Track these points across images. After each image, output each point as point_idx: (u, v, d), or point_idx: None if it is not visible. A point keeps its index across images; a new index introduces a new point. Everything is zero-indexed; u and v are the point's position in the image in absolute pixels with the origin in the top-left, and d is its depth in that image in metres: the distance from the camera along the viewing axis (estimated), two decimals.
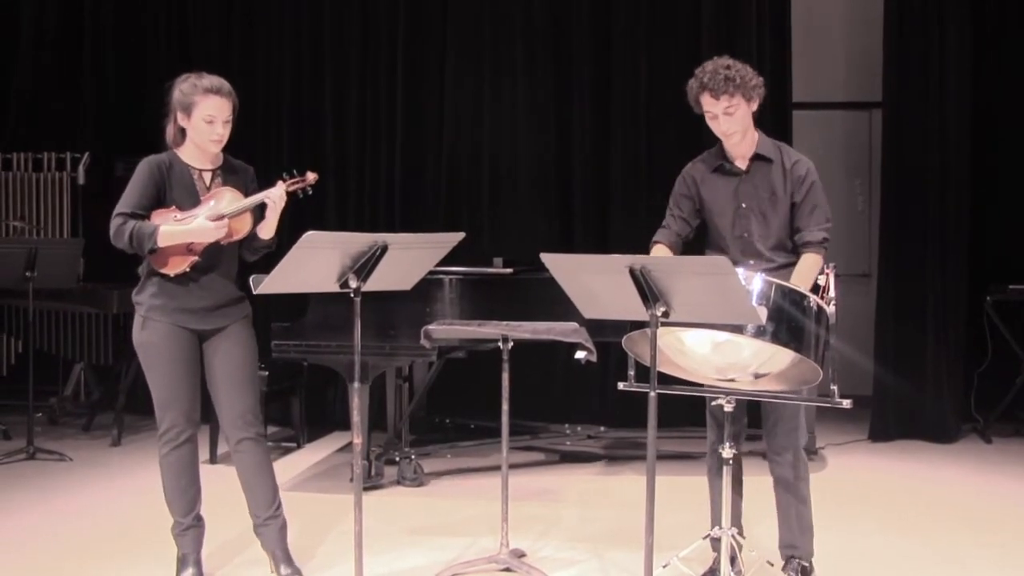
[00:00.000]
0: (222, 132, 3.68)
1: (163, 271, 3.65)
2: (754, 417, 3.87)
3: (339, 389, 6.71)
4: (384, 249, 3.30)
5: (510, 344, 3.99)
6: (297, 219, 4.99)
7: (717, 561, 3.51)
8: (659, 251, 3.72)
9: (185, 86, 3.67)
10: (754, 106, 3.61)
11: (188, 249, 3.63)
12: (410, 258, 3.47)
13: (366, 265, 3.31)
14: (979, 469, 5.83)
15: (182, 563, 3.77)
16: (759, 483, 3.85)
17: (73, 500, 5.08)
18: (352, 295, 3.34)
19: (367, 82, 7.00)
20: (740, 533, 3.60)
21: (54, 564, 4.11)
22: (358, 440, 3.54)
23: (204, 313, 3.70)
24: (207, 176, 3.74)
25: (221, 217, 3.60)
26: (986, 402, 6.61)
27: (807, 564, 3.74)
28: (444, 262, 3.63)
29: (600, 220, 6.87)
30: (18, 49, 7.55)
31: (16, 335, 7.07)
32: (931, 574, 4.04)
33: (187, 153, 3.73)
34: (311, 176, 3.79)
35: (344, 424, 6.58)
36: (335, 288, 3.37)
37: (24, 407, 5.92)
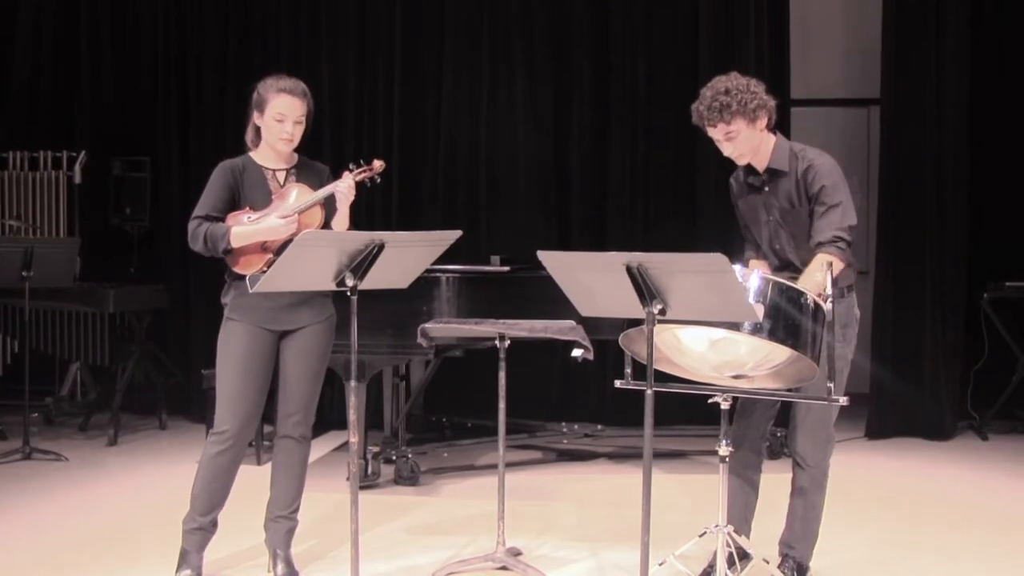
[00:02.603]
0: (292, 131, 3.71)
1: (241, 271, 3.67)
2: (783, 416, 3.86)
3: (336, 388, 6.70)
4: (381, 247, 3.29)
5: (507, 342, 3.99)
6: None
7: (714, 558, 3.50)
8: (756, 264, 3.69)
9: (262, 86, 3.74)
10: (761, 124, 3.52)
11: (263, 248, 3.65)
12: (407, 256, 3.46)
13: (363, 263, 3.29)
14: (975, 466, 5.83)
15: (183, 559, 3.76)
16: (765, 479, 3.83)
17: (69, 500, 5.07)
18: (349, 293, 3.33)
19: (365, 80, 6.99)
20: (738, 531, 3.58)
21: (50, 564, 4.10)
22: (355, 439, 3.53)
23: (284, 311, 3.71)
24: (280, 176, 3.77)
25: (291, 214, 3.62)
26: (982, 399, 6.61)
27: (803, 564, 3.73)
28: (441, 260, 3.61)
29: (598, 219, 6.87)
30: (15, 48, 7.53)
31: (12, 335, 7.05)
32: (927, 571, 4.04)
33: (261, 155, 3.78)
34: (377, 164, 3.82)
35: (341, 423, 6.58)
36: (332, 287, 3.36)
37: (20, 407, 5.90)
